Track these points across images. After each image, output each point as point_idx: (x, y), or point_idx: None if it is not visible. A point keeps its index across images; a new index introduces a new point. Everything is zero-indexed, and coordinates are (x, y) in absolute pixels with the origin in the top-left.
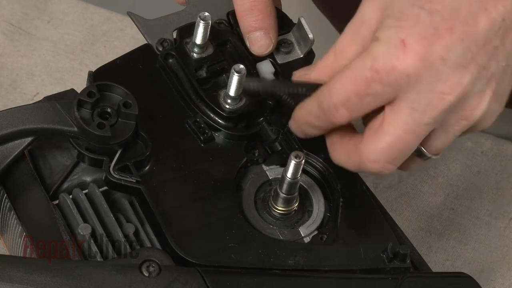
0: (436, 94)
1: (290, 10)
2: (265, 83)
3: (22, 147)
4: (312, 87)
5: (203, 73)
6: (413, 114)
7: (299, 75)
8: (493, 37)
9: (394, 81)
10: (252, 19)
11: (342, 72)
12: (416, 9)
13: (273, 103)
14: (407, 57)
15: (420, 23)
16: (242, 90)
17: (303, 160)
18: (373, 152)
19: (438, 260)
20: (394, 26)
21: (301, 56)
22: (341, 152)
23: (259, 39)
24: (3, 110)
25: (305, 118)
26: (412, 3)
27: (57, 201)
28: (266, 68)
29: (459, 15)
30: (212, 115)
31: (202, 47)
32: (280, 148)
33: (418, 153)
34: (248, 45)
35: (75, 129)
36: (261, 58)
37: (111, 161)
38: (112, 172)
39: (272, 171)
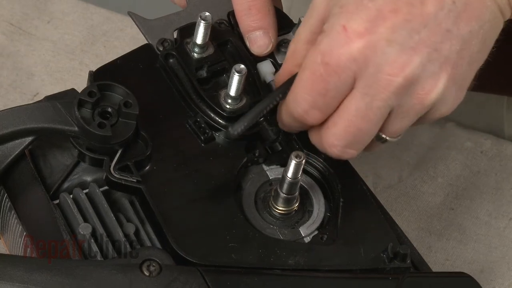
0: (384, 76)
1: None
2: (248, 117)
3: (23, 146)
4: (285, 90)
5: (203, 73)
6: (364, 98)
7: (276, 82)
8: (444, 19)
9: (344, 68)
10: (251, 19)
11: (299, 75)
12: None
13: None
14: (350, 42)
15: (362, 6)
16: (232, 138)
17: (304, 160)
18: (331, 136)
19: (438, 260)
20: (337, 12)
21: None
22: (311, 138)
23: (258, 39)
24: (3, 110)
25: (286, 120)
26: None
27: (57, 201)
28: (266, 68)
29: None
30: (212, 115)
31: (202, 47)
32: (280, 148)
33: (378, 139)
34: (248, 45)
35: (76, 128)
36: (262, 58)
37: (111, 160)
38: (112, 171)
39: (272, 171)
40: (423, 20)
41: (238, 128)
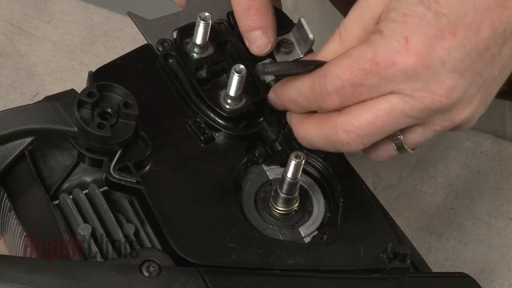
0: (429, 94)
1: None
2: (281, 65)
3: (22, 147)
4: (320, 64)
5: (203, 73)
6: (402, 104)
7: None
8: (493, 45)
9: (391, 75)
10: (250, 19)
11: (340, 59)
12: (422, 8)
13: None
14: (408, 54)
15: (425, 22)
16: (258, 74)
17: (303, 160)
18: (348, 123)
19: (438, 260)
20: (399, 21)
21: (301, 56)
22: (312, 122)
23: (257, 39)
24: (3, 110)
25: (292, 95)
26: (419, 1)
27: (57, 201)
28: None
29: (464, 20)
30: (212, 115)
31: (202, 47)
32: (280, 148)
33: (396, 143)
34: (247, 45)
35: (75, 129)
36: (261, 58)
37: (111, 161)
38: (112, 172)
39: (272, 171)
40: (476, 46)
41: (269, 69)
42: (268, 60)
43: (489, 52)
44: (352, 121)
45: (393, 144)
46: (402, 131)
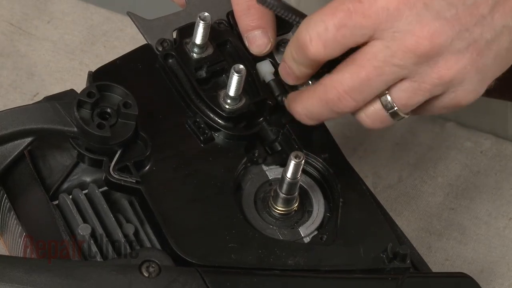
0: (412, 36)
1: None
2: (281, 5)
3: (22, 147)
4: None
5: (203, 73)
6: (385, 51)
7: None
8: (482, 4)
9: (374, 14)
10: (250, 19)
11: (324, 6)
12: None
13: (273, 103)
14: None
15: None
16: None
17: (303, 160)
18: (335, 80)
19: (437, 260)
20: None
21: None
22: (306, 94)
23: (257, 39)
24: (3, 110)
25: (287, 55)
26: None
27: (57, 202)
28: (266, 68)
29: None
30: (212, 115)
31: (202, 47)
32: (280, 148)
33: (383, 102)
34: (246, 44)
35: (75, 129)
36: (261, 58)
37: (111, 161)
38: (112, 172)
39: (272, 171)
40: None
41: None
42: (268, 60)
43: (478, 9)
44: (338, 77)
45: (381, 103)
46: (390, 89)
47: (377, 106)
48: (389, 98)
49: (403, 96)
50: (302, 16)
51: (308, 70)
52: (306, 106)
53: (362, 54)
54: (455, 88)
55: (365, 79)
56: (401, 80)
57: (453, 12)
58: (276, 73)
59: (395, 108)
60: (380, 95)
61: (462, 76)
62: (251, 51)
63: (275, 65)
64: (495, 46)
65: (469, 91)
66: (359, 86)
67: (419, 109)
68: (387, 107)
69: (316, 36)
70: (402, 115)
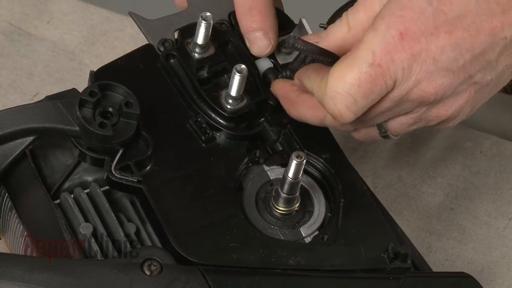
0: (419, 90)
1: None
2: (307, 46)
3: (24, 146)
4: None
5: (204, 73)
6: (389, 102)
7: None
8: (489, 51)
9: (394, 73)
10: (252, 20)
11: (343, 72)
12: (423, 3)
13: (274, 103)
14: (403, 51)
15: (423, 18)
16: (288, 46)
17: (304, 160)
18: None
19: (437, 260)
20: (396, 15)
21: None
22: (304, 105)
23: (258, 40)
24: (4, 110)
25: (302, 113)
26: None
27: (58, 201)
28: (264, 64)
29: (463, 21)
30: (213, 115)
31: (203, 47)
32: (281, 149)
33: (380, 130)
34: (247, 45)
35: (77, 128)
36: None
37: (112, 160)
38: (113, 171)
39: (273, 171)
40: (472, 48)
41: (298, 44)
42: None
43: (485, 57)
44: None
45: (376, 128)
46: (387, 120)
47: (371, 129)
48: (385, 126)
49: (398, 126)
50: (332, 56)
51: None
52: (304, 118)
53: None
54: (447, 121)
55: (369, 118)
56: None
57: (461, 63)
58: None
59: (388, 133)
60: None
61: (458, 113)
62: (252, 52)
63: (276, 65)
64: (494, 82)
65: (459, 119)
66: (362, 121)
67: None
68: (380, 131)
69: (346, 109)
70: (393, 138)
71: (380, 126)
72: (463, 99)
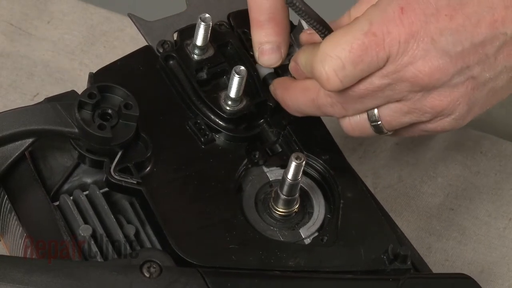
0: (414, 69)
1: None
2: (306, 7)
3: (23, 148)
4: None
5: (203, 74)
6: (382, 80)
7: (308, 34)
8: (489, 44)
9: (388, 45)
10: (268, 31)
11: (337, 35)
12: None
13: (274, 104)
14: (401, 25)
15: None
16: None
17: (304, 162)
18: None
19: (437, 260)
20: None
21: None
22: (297, 90)
23: (270, 52)
24: (3, 111)
25: (298, 66)
26: None
27: (57, 202)
28: (265, 68)
29: (464, 9)
30: (212, 116)
31: (202, 48)
32: (280, 150)
33: (369, 116)
34: (256, 55)
35: (76, 130)
36: None
37: (111, 162)
38: (112, 173)
39: (272, 173)
40: (471, 37)
41: (296, 2)
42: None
43: (484, 48)
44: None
45: (367, 115)
46: (379, 106)
47: (362, 116)
48: (376, 112)
49: (391, 114)
50: (327, 28)
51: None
52: (297, 103)
53: (363, 81)
54: (443, 117)
55: (360, 96)
56: (393, 101)
57: (459, 49)
58: (276, 74)
59: (379, 123)
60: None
61: (453, 108)
62: (259, 62)
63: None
64: (491, 83)
65: (455, 120)
66: (353, 100)
67: (402, 130)
68: (371, 119)
69: (333, 73)
70: (385, 131)
71: (371, 114)
72: (459, 92)
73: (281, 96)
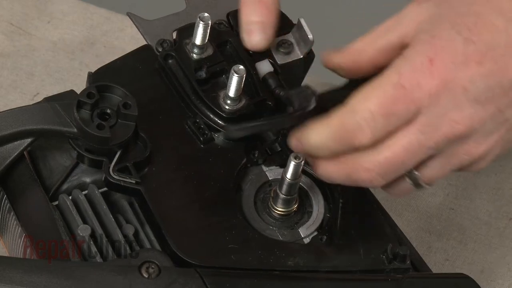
0: (448, 121)
1: None
2: (251, 126)
3: (22, 148)
4: (303, 119)
5: (202, 74)
6: (420, 136)
7: (327, 56)
8: None
9: (417, 99)
10: (255, 11)
11: (366, 90)
12: (453, 33)
13: (273, 103)
14: (432, 76)
15: (453, 47)
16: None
17: (303, 161)
18: (369, 162)
19: (437, 260)
20: (426, 41)
21: (301, 56)
22: (332, 162)
23: (256, 33)
24: (2, 111)
25: (318, 140)
26: (452, 25)
27: (56, 202)
28: (264, 67)
29: (492, 53)
30: (211, 116)
31: (201, 47)
32: (280, 149)
33: (411, 179)
34: (242, 36)
35: (75, 130)
36: (261, 59)
37: (110, 162)
38: (111, 173)
39: (272, 172)
40: (501, 81)
41: (237, 133)
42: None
43: None
44: (371, 159)
45: (409, 179)
46: (418, 166)
47: (404, 184)
48: (417, 174)
49: (431, 172)
50: (286, 119)
51: (331, 155)
52: (329, 175)
53: (397, 142)
54: (478, 161)
55: (400, 164)
56: (430, 157)
57: (489, 95)
58: (275, 74)
59: (421, 182)
60: (408, 172)
61: (488, 153)
62: (245, 43)
63: (275, 65)
64: None
65: (489, 161)
66: (391, 169)
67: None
68: (414, 182)
69: (366, 126)
70: (427, 187)
71: (412, 177)
72: (494, 137)
73: (315, 168)
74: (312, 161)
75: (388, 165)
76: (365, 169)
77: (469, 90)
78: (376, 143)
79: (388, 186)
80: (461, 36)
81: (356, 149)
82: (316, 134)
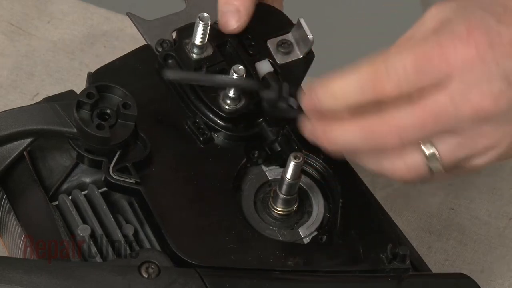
0: (478, 92)
1: None
2: (188, 75)
3: (22, 148)
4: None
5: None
6: (448, 103)
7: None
8: None
9: (452, 61)
10: None
11: (403, 45)
12: (486, 14)
13: None
14: (469, 43)
15: (487, 24)
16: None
17: (303, 161)
18: (391, 118)
19: (437, 260)
20: (462, 19)
21: (301, 56)
22: (347, 119)
23: (230, 15)
24: (2, 111)
25: (344, 88)
26: (483, 10)
27: (56, 202)
28: (264, 68)
29: None
30: (211, 115)
31: (201, 47)
32: (279, 149)
33: (429, 156)
34: (218, 16)
35: (74, 130)
36: (260, 58)
37: (110, 162)
38: (111, 173)
39: (271, 172)
40: None
41: (172, 75)
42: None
43: None
44: (395, 115)
45: (424, 154)
46: (434, 141)
47: (418, 156)
48: (433, 149)
49: (446, 149)
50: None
51: (344, 108)
52: (344, 134)
53: (424, 100)
54: (485, 152)
55: (421, 125)
56: (447, 133)
57: None
58: (275, 74)
59: (438, 160)
60: (424, 145)
61: (498, 144)
62: (219, 25)
63: (275, 65)
64: None
65: (490, 158)
66: (411, 127)
67: (453, 170)
68: (429, 157)
69: (394, 72)
70: (440, 169)
71: (429, 152)
72: (508, 128)
73: (325, 135)
74: (323, 127)
75: (409, 125)
76: (386, 125)
77: (501, 67)
78: (402, 100)
79: (402, 160)
80: (494, 17)
81: (378, 106)
82: (341, 81)
